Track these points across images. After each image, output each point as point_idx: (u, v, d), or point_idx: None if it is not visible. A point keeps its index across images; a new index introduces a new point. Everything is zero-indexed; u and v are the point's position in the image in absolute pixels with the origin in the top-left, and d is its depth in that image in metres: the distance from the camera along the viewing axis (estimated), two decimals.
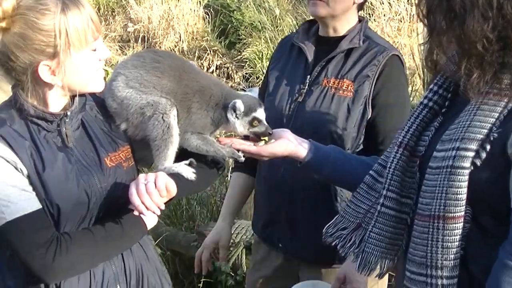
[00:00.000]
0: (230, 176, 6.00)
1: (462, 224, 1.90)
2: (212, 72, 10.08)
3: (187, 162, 2.58)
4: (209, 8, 10.80)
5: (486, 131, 1.90)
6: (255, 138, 2.69)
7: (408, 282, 2.01)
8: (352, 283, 3.01)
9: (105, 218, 2.41)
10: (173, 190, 2.37)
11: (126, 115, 2.53)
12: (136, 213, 2.32)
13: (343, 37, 3.29)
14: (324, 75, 3.24)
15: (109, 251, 2.41)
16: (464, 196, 1.89)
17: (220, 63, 9.97)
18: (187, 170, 2.53)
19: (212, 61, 9.97)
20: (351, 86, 3.18)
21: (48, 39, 2.21)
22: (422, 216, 1.96)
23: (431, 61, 2.08)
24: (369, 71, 3.16)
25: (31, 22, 2.20)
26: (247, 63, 10.01)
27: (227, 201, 3.73)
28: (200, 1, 10.83)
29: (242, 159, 2.63)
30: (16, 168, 2.24)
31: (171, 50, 10.17)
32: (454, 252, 1.92)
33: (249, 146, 2.63)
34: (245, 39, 10.20)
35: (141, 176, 2.33)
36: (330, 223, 2.35)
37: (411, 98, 6.59)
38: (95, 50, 2.32)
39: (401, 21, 8.82)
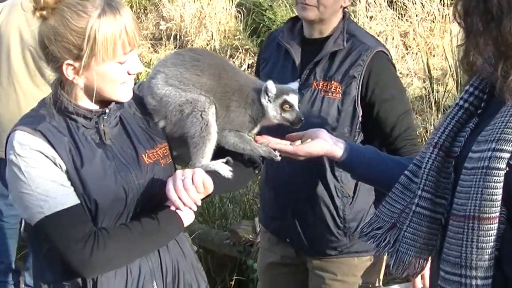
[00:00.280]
0: None
1: (497, 225, 1.90)
2: (244, 70, 10.08)
3: (224, 160, 2.59)
4: (241, 7, 10.76)
5: None
6: (291, 137, 2.72)
7: (442, 282, 2.00)
8: None
9: (142, 214, 2.42)
10: (210, 186, 2.37)
11: (164, 112, 2.54)
12: (173, 208, 2.34)
13: (328, 37, 3.34)
14: (313, 78, 3.31)
15: (145, 247, 2.43)
16: (499, 197, 1.88)
17: (252, 62, 9.93)
18: (224, 168, 2.54)
19: (244, 59, 9.95)
20: (339, 88, 3.27)
21: (76, 41, 2.23)
22: (457, 216, 1.95)
23: (467, 62, 2.07)
24: (355, 72, 3.25)
25: (66, 20, 2.22)
26: None
27: None
28: (232, 0, 10.83)
29: (279, 158, 2.64)
30: (55, 164, 2.27)
31: (203, 48, 10.16)
32: (489, 252, 1.91)
33: (285, 146, 2.65)
34: None
35: (179, 172, 2.34)
36: (365, 223, 2.36)
37: (443, 100, 6.59)
38: (123, 63, 2.32)
39: (433, 22, 8.75)
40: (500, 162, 1.88)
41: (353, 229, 3.38)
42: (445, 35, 8.43)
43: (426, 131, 6.10)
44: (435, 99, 6.65)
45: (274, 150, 2.63)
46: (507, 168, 1.88)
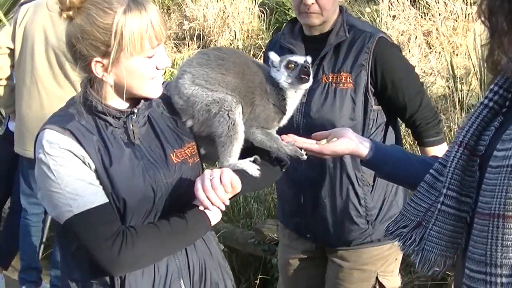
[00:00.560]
0: None
1: None
2: None
3: (251, 159, 2.60)
4: (264, 7, 10.73)
5: None
6: (317, 136, 2.73)
7: (467, 280, 2.00)
8: None
9: (170, 213, 2.43)
10: (238, 186, 2.39)
11: (192, 112, 2.56)
12: (201, 208, 2.35)
13: (329, 32, 3.40)
14: (322, 73, 3.36)
15: (173, 246, 2.44)
16: None
17: None
18: (251, 167, 2.56)
19: None
20: (349, 78, 3.33)
21: (103, 37, 2.24)
22: (482, 214, 1.95)
23: (492, 61, 2.08)
24: (363, 60, 3.32)
25: (92, 18, 2.24)
26: None
27: None
28: (255, 0, 10.84)
29: (305, 157, 2.65)
30: (84, 162, 2.29)
31: (228, 47, 10.19)
32: None
33: (311, 145, 2.66)
34: None
35: (207, 172, 2.35)
36: (391, 221, 2.36)
37: (467, 99, 6.57)
38: (151, 57, 2.34)
39: (456, 21, 8.71)
40: None
41: (375, 217, 3.45)
42: (468, 34, 8.39)
43: (450, 130, 6.09)
44: (458, 98, 6.64)
45: (300, 149, 2.64)
46: None
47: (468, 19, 8.53)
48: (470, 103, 6.60)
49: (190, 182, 2.42)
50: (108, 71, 2.31)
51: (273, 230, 5.26)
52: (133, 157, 2.39)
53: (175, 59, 9.72)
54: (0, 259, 5.98)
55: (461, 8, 8.65)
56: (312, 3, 3.32)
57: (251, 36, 10.46)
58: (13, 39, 5.08)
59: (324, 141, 2.67)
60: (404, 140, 5.30)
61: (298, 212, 3.59)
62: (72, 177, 2.26)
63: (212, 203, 2.30)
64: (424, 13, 8.92)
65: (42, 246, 5.86)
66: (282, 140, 2.65)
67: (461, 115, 6.33)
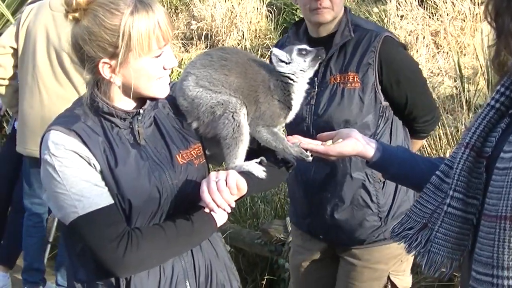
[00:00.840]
0: None
1: None
2: None
3: (257, 160, 2.59)
4: (272, 6, 10.75)
5: None
6: (323, 137, 2.73)
7: (474, 282, 1.99)
8: None
9: (176, 214, 2.43)
10: (244, 188, 2.38)
11: (197, 113, 2.55)
12: (206, 210, 2.34)
13: (334, 33, 3.40)
14: (329, 74, 3.36)
15: (179, 247, 2.44)
16: None
17: None
18: (257, 169, 2.55)
19: None
20: (356, 77, 3.33)
21: (111, 39, 2.24)
22: (489, 216, 1.94)
23: (498, 62, 2.07)
24: (369, 59, 3.31)
25: (99, 19, 2.24)
26: None
27: None
28: (263, 0, 10.85)
29: (310, 158, 2.64)
30: (89, 164, 2.29)
31: (231, 46, 10.19)
32: None
33: (317, 146, 2.65)
34: None
35: (212, 174, 2.35)
36: (397, 223, 2.35)
37: (475, 98, 6.56)
38: (158, 56, 2.33)
39: (464, 21, 8.71)
40: None
41: (386, 213, 3.45)
42: (476, 34, 8.39)
43: (457, 130, 6.07)
44: (466, 98, 6.62)
45: (306, 150, 2.63)
46: None
47: (476, 19, 8.53)
48: (477, 103, 6.59)
49: (196, 184, 2.42)
50: (116, 72, 2.31)
51: (280, 230, 5.26)
52: (139, 158, 2.39)
53: (182, 59, 9.72)
54: (5, 258, 5.98)
55: (469, 8, 8.65)
56: None
57: (259, 36, 10.48)
58: (16, 39, 5.12)
59: (330, 142, 2.66)
60: None
61: (310, 213, 3.58)
62: (77, 178, 2.26)
63: (217, 205, 2.29)
64: (432, 13, 8.93)
65: (49, 246, 5.87)
66: (288, 141, 2.64)
67: (469, 115, 6.31)
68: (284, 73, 2.65)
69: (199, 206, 2.42)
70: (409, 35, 8.51)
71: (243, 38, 10.42)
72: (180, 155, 2.49)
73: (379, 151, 2.61)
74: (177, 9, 11.71)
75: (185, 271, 2.50)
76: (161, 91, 2.42)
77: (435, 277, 2.76)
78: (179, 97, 2.60)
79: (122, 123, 2.39)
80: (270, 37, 10.24)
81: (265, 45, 9.97)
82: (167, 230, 2.37)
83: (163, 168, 2.42)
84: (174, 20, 11.45)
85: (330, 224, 3.50)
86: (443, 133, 5.83)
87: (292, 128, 3.18)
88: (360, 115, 3.32)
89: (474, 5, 8.58)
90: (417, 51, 8.28)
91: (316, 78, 3.34)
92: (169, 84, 2.46)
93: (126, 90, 2.37)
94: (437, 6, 8.91)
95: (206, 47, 10.48)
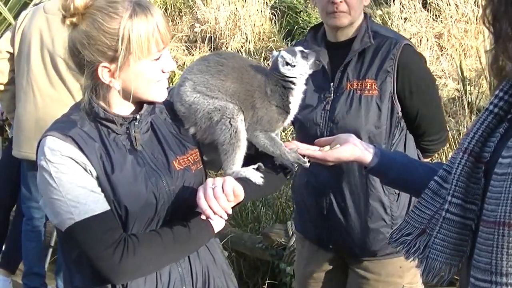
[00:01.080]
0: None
1: None
2: None
3: (255, 166, 2.58)
4: (275, 9, 10.78)
5: None
6: (320, 142, 2.70)
7: None
8: None
9: (173, 220, 2.43)
10: (241, 194, 2.37)
11: (194, 119, 2.54)
12: (203, 217, 2.33)
13: (353, 38, 3.36)
14: (346, 80, 3.32)
15: (175, 254, 2.43)
16: None
17: None
18: (255, 175, 2.54)
19: None
20: (374, 85, 3.28)
21: (110, 43, 2.23)
22: (487, 222, 1.92)
23: (496, 67, 2.05)
24: (388, 66, 3.27)
25: (98, 23, 2.23)
26: None
27: None
28: (266, 2, 10.83)
29: (307, 164, 2.62)
30: (85, 170, 2.28)
31: (237, 50, 10.17)
32: None
33: (314, 151, 2.63)
34: None
35: (209, 181, 2.34)
36: (395, 229, 2.34)
37: (477, 101, 6.54)
38: (157, 59, 2.33)
39: (467, 23, 8.71)
40: None
41: None
42: (480, 36, 8.38)
43: (459, 133, 6.06)
44: (468, 101, 6.61)
45: (303, 156, 2.61)
46: None
47: (479, 21, 8.51)
48: (480, 106, 6.58)
49: (193, 190, 2.41)
50: (115, 76, 2.30)
51: (281, 235, 5.25)
52: (136, 164, 2.38)
53: (185, 62, 9.73)
54: (7, 263, 5.98)
55: (473, 10, 8.66)
56: (340, 1, 3.28)
57: (263, 39, 10.49)
58: (12, 43, 5.16)
59: (327, 147, 2.64)
60: None
61: (320, 221, 3.52)
62: (73, 185, 2.25)
63: (214, 212, 2.28)
64: (436, 15, 8.94)
65: (50, 250, 5.86)
66: (286, 146, 2.62)
67: (471, 118, 6.31)
68: (288, 76, 2.63)
69: (197, 212, 2.40)
70: (412, 38, 8.49)
71: (246, 40, 10.42)
72: (177, 161, 2.47)
73: (377, 157, 2.59)
74: (181, 12, 11.72)
75: (182, 278, 2.48)
76: (160, 95, 2.41)
77: (434, 284, 2.75)
78: (176, 103, 2.59)
79: (119, 129, 2.38)
80: (273, 39, 10.24)
81: (268, 47, 9.98)
82: (163, 237, 2.36)
83: (160, 174, 2.41)
84: (178, 23, 11.47)
85: (340, 233, 3.45)
86: None
87: (304, 133, 3.17)
88: (377, 123, 3.28)
89: (478, 7, 8.57)
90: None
91: (332, 83, 3.33)
92: (167, 88, 2.46)
93: (125, 94, 2.35)
94: (441, 8, 8.92)
95: (209, 50, 10.49)
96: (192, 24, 11.31)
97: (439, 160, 5.38)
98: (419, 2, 9.09)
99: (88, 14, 2.25)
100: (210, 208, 2.28)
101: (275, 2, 10.95)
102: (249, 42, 10.33)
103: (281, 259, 5.22)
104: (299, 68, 2.64)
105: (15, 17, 7.00)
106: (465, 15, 8.76)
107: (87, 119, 2.36)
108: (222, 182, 2.33)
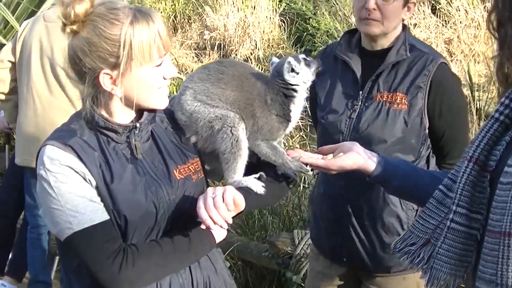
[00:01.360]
0: (303, 186, 6.01)
1: None
2: None
3: (256, 175, 2.56)
4: (285, 16, 10.81)
5: None
6: (324, 151, 2.67)
7: None
8: None
9: (173, 230, 2.41)
10: (241, 204, 2.35)
11: (195, 128, 2.53)
12: (203, 227, 2.31)
13: (388, 49, 3.29)
14: (377, 90, 3.25)
15: (176, 264, 2.40)
16: None
17: None
18: (256, 184, 2.51)
19: None
20: (404, 99, 3.21)
21: (112, 49, 2.23)
22: (493, 232, 1.89)
23: (502, 74, 2.02)
24: (421, 82, 3.20)
25: (99, 30, 2.22)
26: None
27: None
28: (276, 9, 10.86)
29: (310, 173, 2.61)
30: (85, 179, 2.27)
31: (247, 57, 10.21)
32: None
33: (317, 160, 2.59)
34: (320, 46, 10.11)
35: (209, 190, 2.32)
36: (398, 238, 2.31)
37: (486, 106, 6.51)
38: (159, 65, 2.32)
39: (477, 28, 8.69)
40: None
41: None
42: (489, 41, 8.35)
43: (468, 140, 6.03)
44: (476, 107, 6.58)
45: (306, 164, 2.58)
46: None
47: None
48: (490, 112, 6.54)
49: (193, 199, 2.39)
50: (117, 83, 2.29)
51: (287, 243, 5.23)
52: (135, 173, 2.36)
53: (193, 69, 9.73)
54: (14, 271, 5.98)
55: (482, 15, 8.64)
56: (374, 9, 3.20)
57: (272, 46, 10.51)
58: (14, 52, 5.20)
59: (331, 155, 2.61)
60: None
61: (335, 231, 3.46)
62: (72, 194, 2.24)
63: (214, 222, 2.26)
64: (445, 21, 8.93)
65: (57, 258, 5.85)
66: (288, 155, 2.59)
67: (479, 124, 6.28)
68: (291, 84, 2.60)
69: (197, 222, 2.37)
70: None
71: (256, 47, 10.45)
72: (178, 170, 2.46)
73: (380, 165, 2.56)
74: (190, 19, 11.76)
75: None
76: (161, 102, 2.40)
77: None
78: (177, 111, 2.58)
79: (119, 138, 2.37)
80: (283, 46, 10.26)
81: (278, 54, 9.99)
82: (163, 247, 2.35)
83: (160, 184, 2.40)
84: (187, 30, 11.52)
85: (355, 247, 3.39)
86: None
87: (326, 138, 3.14)
88: (401, 138, 3.22)
89: (487, 13, 8.54)
90: None
91: (361, 92, 3.28)
92: (169, 97, 2.44)
93: (127, 101, 2.34)
94: (450, 14, 8.90)
95: (219, 57, 10.55)
96: (202, 31, 11.35)
97: None
98: (428, 8, 9.08)
99: (88, 21, 2.24)
100: (210, 217, 2.26)
101: (284, 9, 10.98)
102: (259, 49, 10.35)
103: (288, 268, 5.19)
104: (303, 76, 2.61)
105: None
106: (474, 20, 8.75)
107: (86, 127, 2.35)
108: (223, 191, 2.30)
